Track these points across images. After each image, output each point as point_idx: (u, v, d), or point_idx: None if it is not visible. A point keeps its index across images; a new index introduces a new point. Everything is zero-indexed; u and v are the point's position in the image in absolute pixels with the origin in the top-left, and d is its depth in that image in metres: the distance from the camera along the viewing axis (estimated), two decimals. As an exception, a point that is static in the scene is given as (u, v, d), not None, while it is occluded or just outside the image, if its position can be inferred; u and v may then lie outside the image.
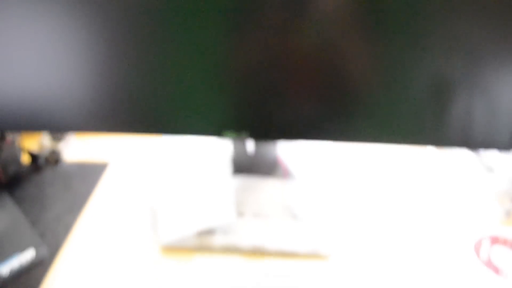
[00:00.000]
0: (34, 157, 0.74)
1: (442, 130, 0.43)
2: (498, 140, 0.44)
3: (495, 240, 0.60)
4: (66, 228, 0.63)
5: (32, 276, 0.56)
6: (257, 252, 0.58)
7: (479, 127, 0.43)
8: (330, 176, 0.63)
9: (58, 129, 0.51)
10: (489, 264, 0.57)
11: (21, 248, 0.58)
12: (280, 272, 0.56)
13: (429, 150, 0.76)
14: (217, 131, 0.45)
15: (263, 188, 0.62)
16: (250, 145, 0.62)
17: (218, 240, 0.58)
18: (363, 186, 0.69)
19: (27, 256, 0.58)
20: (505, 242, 0.60)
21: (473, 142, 0.44)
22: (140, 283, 0.55)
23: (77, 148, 0.80)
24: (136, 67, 0.44)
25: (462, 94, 0.41)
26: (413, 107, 0.42)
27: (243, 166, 0.65)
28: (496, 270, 0.56)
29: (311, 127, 0.45)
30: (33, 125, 0.51)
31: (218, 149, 0.64)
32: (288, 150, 0.67)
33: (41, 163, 0.74)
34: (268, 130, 0.45)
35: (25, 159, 0.75)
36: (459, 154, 0.73)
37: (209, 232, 0.59)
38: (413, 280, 0.55)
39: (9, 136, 0.69)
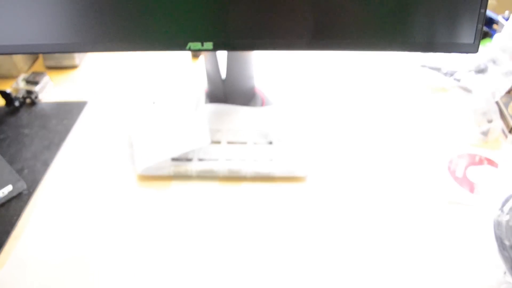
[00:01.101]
0: (9, 99, 0.73)
1: (405, 33, 0.42)
2: (463, 41, 0.43)
3: (471, 159, 0.61)
4: (44, 164, 0.63)
5: (11, 210, 0.56)
6: (234, 176, 0.58)
7: (443, 28, 0.42)
8: (306, 101, 0.62)
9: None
10: (464, 181, 0.58)
11: (-1, 185, 0.58)
12: (258, 195, 0.57)
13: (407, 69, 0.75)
14: (182, 44, 0.43)
15: (239, 115, 0.62)
16: (224, 72, 0.61)
17: (194, 166, 0.58)
18: (339, 107, 0.69)
19: (4, 191, 0.58)
20: (480, 161, 0.61)
21: (437, 45, 0.43)
22: (118, 212, 0.55)
23: (53, 91, 0.79)
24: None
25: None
26: (374, 9, 0.41)
27: (219, 97, 0.64)
28: (471, 188, 0.57)
29: (272, 35, 0.43)
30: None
31: (193, 80, 0.64)
32: (265, 79, 0.66)
33: (17, 104, 0.73)
34: (232, 39, 0.43)
35: (0, 101, 0.74)
36: (436, 75, 0.72)
37: (185, 159, 0.59)
38: (387, 198, 0.56)
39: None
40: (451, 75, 0.71)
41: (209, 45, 0.43)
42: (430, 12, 0.42)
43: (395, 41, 0.43)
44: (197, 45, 0.43)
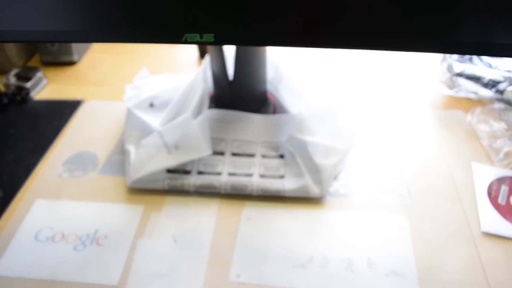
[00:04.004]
0: (-3, 95, 0.66)
1: (454, 30, 0.34)
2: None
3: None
4: (25, 170, 0.56)
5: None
6: (237, 194, 0.50)
7: (503, 26, 0.34)
8: (325, 109, 0.54)
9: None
10: (507, 211, 0.49)
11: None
12: (264, 218, 0.49)
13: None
14: (177, 35, 0.36)
15: (247, 123, 0.54)
16: (232, 73, 0.53)
17: (192, 179, 0.50)
18: (360, 118, 0.61)
19: (-22, 198, 0.51)
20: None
21: (494, 47, 0.35)
22: (103, 229, 0.48)
23: (46, 88, 0.72)
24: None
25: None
26: (420, 3, 0.33)
27: (225, 101, 0.56)
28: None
29: (289, 28, 0.35)
30: None
31: (196, 81, 0.56)
32: (279, 82, 0.58)
33: (6, 102, 0.67)
34: (239, 30, 0.35)
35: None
36: (475, 86, 0.63)
37: (182, 171, 0.51)
38: (418, 223, 0.48)
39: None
40: (493, 86, 0.62)
41: (209, 37, 0.35)
42: (487, 5, 0.33)
43: (442, 40, 0.35)
44: (195, 36, 0.35)
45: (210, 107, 0.56)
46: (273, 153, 0.53)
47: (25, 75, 0.69)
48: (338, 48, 0.37)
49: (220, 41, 0.36)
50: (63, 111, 0.65)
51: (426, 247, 0.46)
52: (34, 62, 0.79)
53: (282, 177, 0.51)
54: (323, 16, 0.34)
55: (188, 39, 0.36)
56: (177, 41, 0.36)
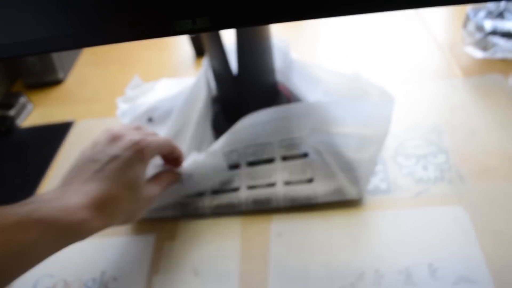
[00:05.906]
0: (-22, 129, 0.59)
1: None
2: None
3: None
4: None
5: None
6: (262, 209, 0.43)
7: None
8: (345, 92, 0.47)
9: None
10: None
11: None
12: (298, 230, 0.41)
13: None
14: (165, 24, 0.28)
15: (260, 123, 0.46)
16: (235, 67, 0.45)
17: (207, 201, 0.43)
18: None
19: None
20: None
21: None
22: (112, 266, 0.41)
23: (33, 113, 0.65)
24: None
25: None
26: None
27: (230, 100, 0.49)
28: None
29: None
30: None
31: (197, 85, 0.49)
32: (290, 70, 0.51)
33: (-11, 135, 0.60)
34: (238, 10, 0.28)
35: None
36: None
37: (194, 194, 0.44)
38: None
39: None
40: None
41: (205, 21, 0.28)
42: None
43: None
44: (186, 23, 0.28)
45: (215, 109, 0.49)
46: (295, 152, 0.45)
47: (7, 103, 0.63)
48: (353, 14, 0.29)
49: (218, 25, 0.28)
50: (53, 136, 0.58)
51: (495, 241, 0.38)
52: (17, 87, 0.72)
53: (310, 180, 0.43)
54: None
55: (178, 28, 0.28)
56: (165, 32, 0.29)
